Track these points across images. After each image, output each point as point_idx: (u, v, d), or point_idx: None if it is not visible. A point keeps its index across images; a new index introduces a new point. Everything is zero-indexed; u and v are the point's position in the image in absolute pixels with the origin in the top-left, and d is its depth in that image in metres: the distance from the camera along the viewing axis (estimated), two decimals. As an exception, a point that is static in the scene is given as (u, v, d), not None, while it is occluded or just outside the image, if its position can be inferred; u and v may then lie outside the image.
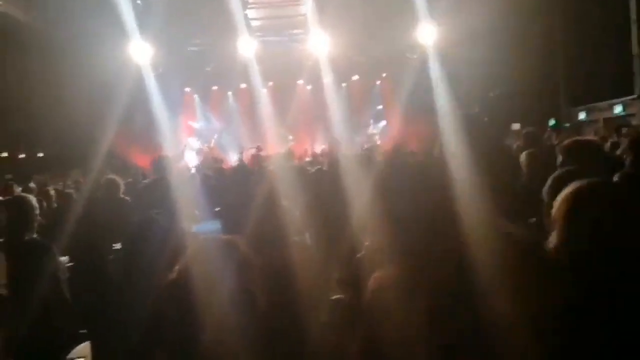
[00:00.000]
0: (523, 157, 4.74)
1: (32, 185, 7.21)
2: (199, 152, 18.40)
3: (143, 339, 2.25)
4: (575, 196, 1.81)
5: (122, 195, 6.43)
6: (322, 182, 5.57)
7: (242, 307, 1.90)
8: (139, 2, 14.44)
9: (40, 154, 16.67)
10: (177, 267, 2.03)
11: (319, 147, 17.18)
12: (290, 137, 18.06)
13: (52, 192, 6.98)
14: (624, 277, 1.67)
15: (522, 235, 1.77)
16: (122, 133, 13.91)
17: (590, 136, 10.10)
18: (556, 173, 2.79)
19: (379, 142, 17.54)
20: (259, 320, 1.96)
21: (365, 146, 13.85)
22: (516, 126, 13.72)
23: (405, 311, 1.78)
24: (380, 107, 21.11)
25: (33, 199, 4.08)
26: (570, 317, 1.65)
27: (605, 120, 16.34)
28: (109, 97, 13.43)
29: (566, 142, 3.85)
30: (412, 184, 2.38)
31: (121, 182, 6.51)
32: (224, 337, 1.85)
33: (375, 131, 20.07)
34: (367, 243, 2.57)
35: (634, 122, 14.29)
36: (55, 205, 6.63)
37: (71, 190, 6.72)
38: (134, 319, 2.83)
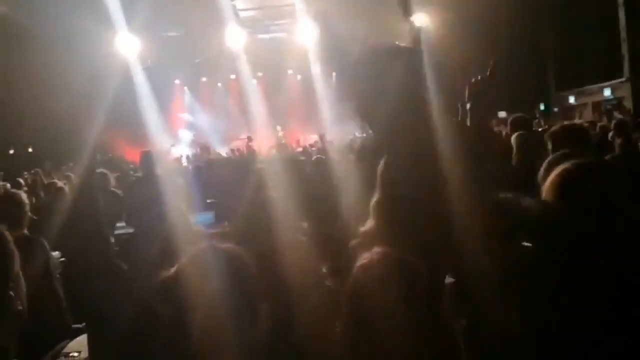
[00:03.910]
0: (513, 139, 4.74)
1: (21, 180, 7.16)
2: (190, 144, 18.35)
3: (134, 336, 2.23)
4: (564, 176, 1.82)
5: (113, 189, 6.42)
6: (317, 172, 5.57)
7: (243, 318, 1.87)
8: (125, -6, 14.30)
9: (30, 150, 16.56)
10: (170, 270, 1.98)
11: (310, 137, 17.15)
12: (279, 128, 17.98)
13: (42, 187, 6.95)
14: (615, 256, 1.68)
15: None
16: (112, 127, 13.83)
17: (576, 120, 10.14)
18: (551, 157, 2.80)
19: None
20: (262, 329, 1.93)
21: (358, 135, 13.83)
22: (502, 114, 13.69)
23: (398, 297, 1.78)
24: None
25: (23, 195, 4.06)
26: (558, 292, 1.67)
27: (594, 103, 16.40)
28: (98, 90, 13.32)
29: (553, 128, 3.86)
30: (408, 171, 2.39)
31: (111, 175, 6.50)
32: (225, 345, 1.83)
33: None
34: (362, 229, 2.56)
35: (625, 104, 14.35)
36: (46, 200, 6.60)
37: (62, 185, 6.68)
38: (128, 314, 2.82)
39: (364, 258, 1.92)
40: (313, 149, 10.38)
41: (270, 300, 2.18)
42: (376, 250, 1.93)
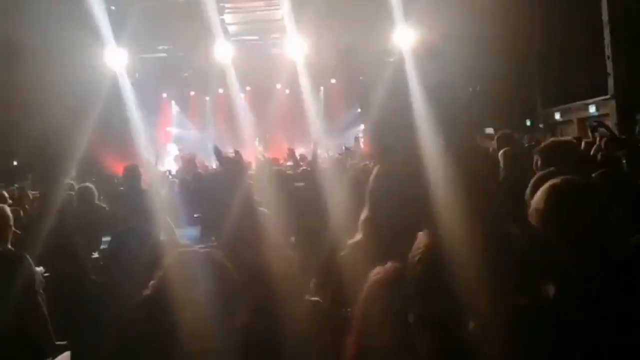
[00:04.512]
0: (500, 155, 4.77)
1: (5, 194, 7.06)
2: (176, 158, 18.26)
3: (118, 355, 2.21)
4: (551, 192, 1.83)
5: (97, 203, 6.36)
6: (303, 186, 5.57)
7: (222, 324, 1.86)
8: (113, 8, 14.31)
9: (15, 163, 16.39)
10: (152, 282, 1.98)
11: (298, 151, 17.14)
12: (257, 143, 17.84)
13: (28, 201, 6.87)
14: (599, 273, 1.69)
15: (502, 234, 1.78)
16: (99, 140, 13.77)
17: (566, 137, 10.24)
18: (539, 174, 2.81)
19: (362, 146, 17.53)
20: (238, 334, 1.92)
21: (344, 148, 13.89)
22: (489, 130, 13.79)
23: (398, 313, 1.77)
24: (359, 110, 21.16)
25: (7, 209, 4.00)
26: (546, 312, 1.67)
27: (580, 120, 16.56)
28: (85, 104, 13.28)
29: (543, 144, 3.88)
30: (394, 187, 2.39)
31: (95, 189, 6.44)
32: (202, 353, 1.82)
33: (360, 135, 20.02)
34: (350, 241, 2.56)
35: (608, 122, 14.49)
36: (32, 214, 6.51)
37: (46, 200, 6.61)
38: (112, 330, 2.79)
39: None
40: (301, 162, 10.37)
41: (254, 312, 2.16)
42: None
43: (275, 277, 2.43)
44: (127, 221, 4.52)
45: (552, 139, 4.43)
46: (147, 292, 1.98)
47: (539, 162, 3.66)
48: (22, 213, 6.04)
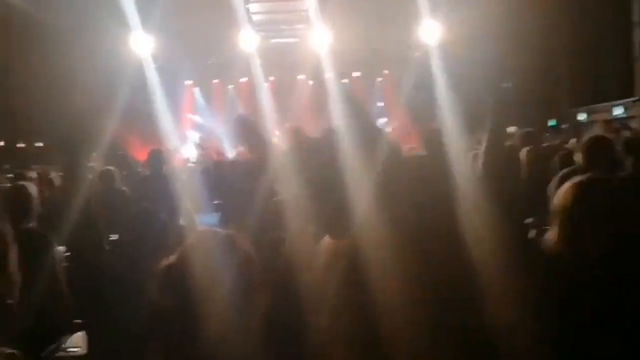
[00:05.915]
0: (523, 154, 4.74)
1: (32, 174, 7.17)
2: (198, 145, 18.33)
3: (140, 330, 2.23)
4: (575, 190, 1.82)
5: (118, 186, 6.42)
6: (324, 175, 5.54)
7: (242, 304, 1.87)
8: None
9: (39, 144, 16.63)
10: (174, 255, 1.98)
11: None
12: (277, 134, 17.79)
13: (49, 182, 6.94)
14: (622, 272, 1.67)
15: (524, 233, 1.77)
16: (122, 125, 13.88)
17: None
18: (562, 172, 2.80)
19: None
20: (259, 316, 1.93)
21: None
22: (512, 129, 13.60)
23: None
24: (382, 104, 21.03)
25: (32, 188, 4.07)
26: (567, 307, 1.66)
27: (605, 121, 16.31)
28: (109, 88, 13.40)
29: (587, 139, 3.85)
30: (411, 182, 2.39)
31: (117, 172, 6.50)
32: (223, 331, 1.82)
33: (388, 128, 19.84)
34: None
35: (634, 124, 14.26)
36: (54, 194, 6.60)
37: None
38: (130, 310, 2.82)
39: None
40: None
41: (275, 298, 2.17)
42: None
43: (298, 267, 2.44)
44: (150, 205, 4.56)
45: (596, 133, 4.38)
46: (167, 262, 1.97)
47: (580, 156, 3.65)
48: (47, 193, 6.14)
